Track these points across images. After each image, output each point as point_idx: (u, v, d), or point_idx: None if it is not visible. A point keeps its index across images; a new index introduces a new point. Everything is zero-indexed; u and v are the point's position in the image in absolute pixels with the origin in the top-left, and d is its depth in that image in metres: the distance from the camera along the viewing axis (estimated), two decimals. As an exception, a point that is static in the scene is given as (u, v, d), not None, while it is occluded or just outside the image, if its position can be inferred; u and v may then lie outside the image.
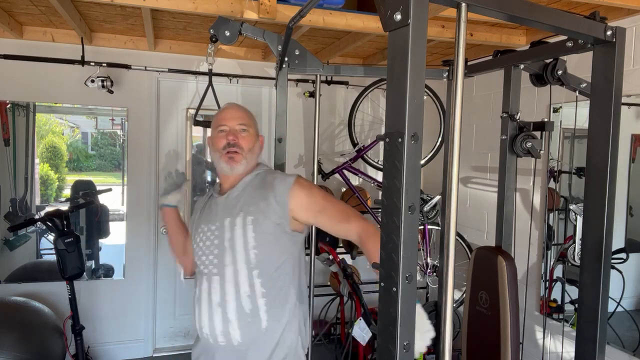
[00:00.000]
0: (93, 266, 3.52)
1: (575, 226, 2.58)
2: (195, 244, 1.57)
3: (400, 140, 0.88)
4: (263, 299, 1.45)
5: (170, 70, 3.42)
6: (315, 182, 2.39)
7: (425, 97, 3.02)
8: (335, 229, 1.51)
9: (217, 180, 1.68)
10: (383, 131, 0.93)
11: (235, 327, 1.44)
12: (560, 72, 1.89)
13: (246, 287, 1.45)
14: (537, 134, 2.04)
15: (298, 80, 3.70)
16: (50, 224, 2.69)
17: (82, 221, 3.48)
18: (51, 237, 2.82)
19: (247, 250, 1.46)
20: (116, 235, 3.55)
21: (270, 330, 1.46)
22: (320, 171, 3.31)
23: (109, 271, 3.56)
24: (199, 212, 1.64)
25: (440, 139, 3.28)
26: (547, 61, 1.92)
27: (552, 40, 1.82)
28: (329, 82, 3.73)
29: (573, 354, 1.58)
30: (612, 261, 2.22)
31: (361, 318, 2.70)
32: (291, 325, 1.51)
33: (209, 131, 3.81)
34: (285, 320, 1.49)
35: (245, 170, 1.57)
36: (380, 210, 2.47)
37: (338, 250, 3.47)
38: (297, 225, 1.51)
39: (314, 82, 3.60)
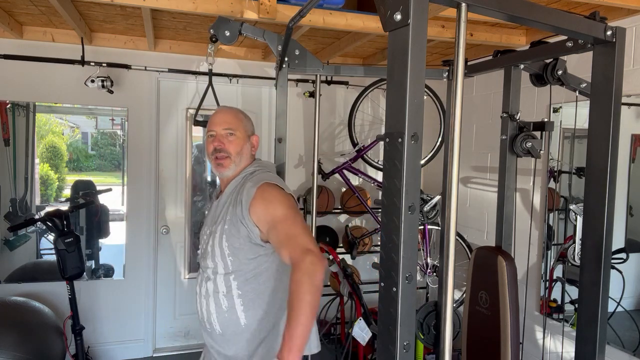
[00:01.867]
0: (93, 266, 3.52)
1: (575, 226, 2.58)
2: (199, 245, 1.72)
3: (400, 140, 0.88)
4: (239, 299, 1.55)
5: (170, 70, 3.42)
6: (315, 182, 2.36)
7: (425, 97, 3.02)
8: (277, 251, 1.49)
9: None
10: (383, 131, 0.93)
11: (215, 319, 1.58)
12: (560, 72, 1.89)
13: (223, 287, 1.56)
14: (537, 134, 2.04)
15: (298, 80, 3.70)
16: (50, 224, 2.69)
17: (82, 221, 3.48)
18: (51, 237, 2.82)
19: (224, 257, 1.55)
20: (116, 235, 3.55)
21: (248, 326, 1.56)
22: (320, 171, 3.31)
23: (109, 271, 3.56)
24: (206, 213, 1.78)
25: (440, 139, 3.28)
26: (547, 61, 1.92)
27: (552, 40, 1.82)
28: (329, 82, 3.73)
29: (573, 354, 1.58)
30: (612, 261, 2.22)
31: (361, 318, 2.71)
32: (267, 323, 1.57)
33: (209, 131, 3.83)
34: (261, 319, 1.57)
35: (234, 173, 1.64)
36: (380, 210, 2.47)
37: (338, 250, 3.47)
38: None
39: (314, 82, 3.61)
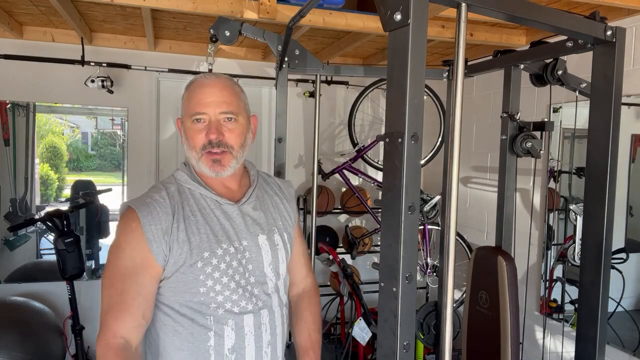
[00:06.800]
0: (93, 266, 3.51)
1: (575, 226, 2.58)
2: (212, 274, 1.11)
3: (400, 140, 0.88)
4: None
5: (170, 70, 3.42)
6: (315, 182, 2.38)
7: (425, 97, 3.02)
8: (291, 263, 1.33)
9: (189, 172, 1.21)
10: (383, 131, 0.93)
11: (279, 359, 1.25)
12: (560, 72, 1.89)
13: (284, 311, 1.26)
14: (537, 134, 2.04)
15: (298, 80, 3.69)
16: (50, 224, 2.69)
17: (82, 221, 3.48)
18: (51, 237, 2.82)
19: (286, 271, 1.28)
20: (116, 235, 3.55)
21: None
22: (320, 171, 3.31)
23: (109, 271, 3.55)
24: (205, 228, 1.14)
25: (440, 139, 3.28)
26: (547, 61, 1.92)
27: (552, 40, 1.82)
28: (329, 82, 3.73)
29: (573, 354, 1.58)
30: (612, 261, 2.22)
31: (361, 318, 2.71)
32: None
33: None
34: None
35: (236, 170, 1.20)
36: (380, 210, 2.47)
37: (338, 250, 3.47)
38: None
39: (314, 82, 3.60)
